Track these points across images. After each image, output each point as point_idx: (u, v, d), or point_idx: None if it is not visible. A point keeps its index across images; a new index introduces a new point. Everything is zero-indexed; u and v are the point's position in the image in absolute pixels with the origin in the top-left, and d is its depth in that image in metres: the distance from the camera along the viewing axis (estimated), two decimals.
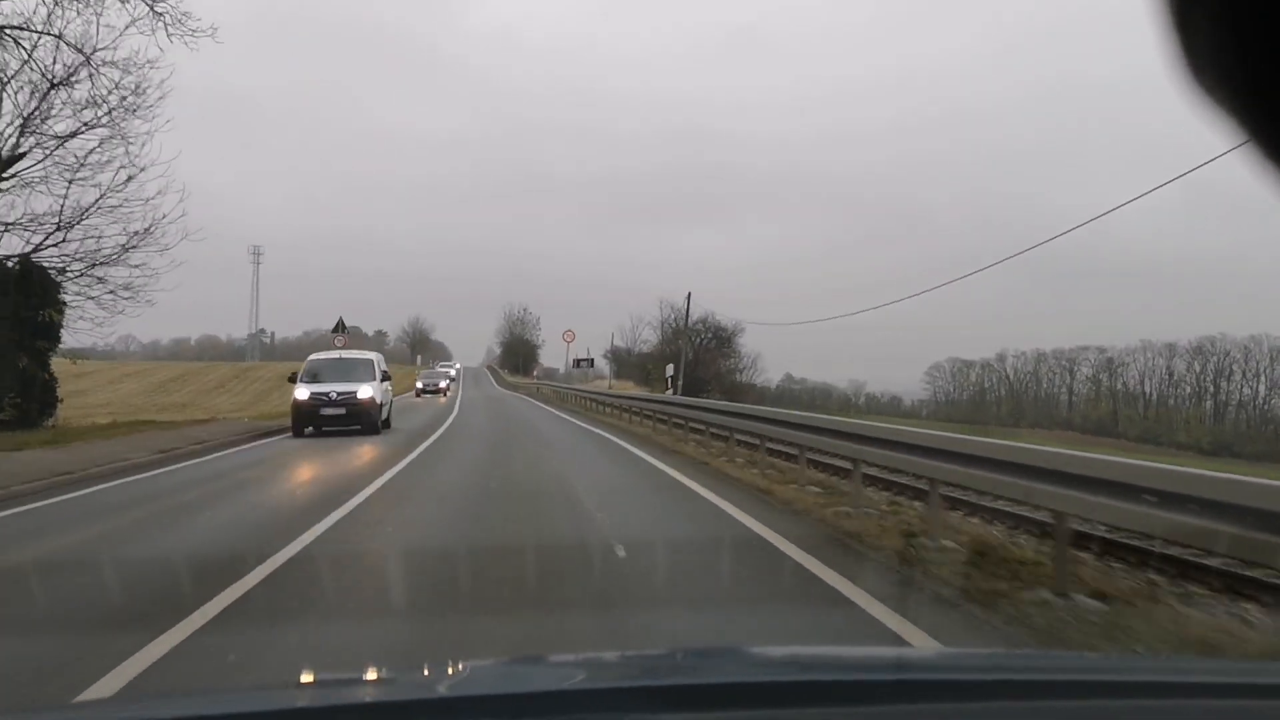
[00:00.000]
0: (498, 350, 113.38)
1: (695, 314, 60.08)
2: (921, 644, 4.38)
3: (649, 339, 72.53)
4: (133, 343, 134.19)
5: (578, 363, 56.16)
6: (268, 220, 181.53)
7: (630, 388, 46.59)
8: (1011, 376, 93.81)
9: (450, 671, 1.80)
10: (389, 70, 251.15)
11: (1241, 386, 75.40)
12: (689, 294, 45.80)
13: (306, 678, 2.59)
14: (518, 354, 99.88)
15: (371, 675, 2.08)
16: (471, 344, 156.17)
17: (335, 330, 26.35)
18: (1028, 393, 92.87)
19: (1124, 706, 1.40)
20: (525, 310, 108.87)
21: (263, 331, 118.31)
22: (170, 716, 1.48)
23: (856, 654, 2.89)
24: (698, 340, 55.63)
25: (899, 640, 4.50)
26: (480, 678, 1.71)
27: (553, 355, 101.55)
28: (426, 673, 2.00)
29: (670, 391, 34.32)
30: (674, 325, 59.65)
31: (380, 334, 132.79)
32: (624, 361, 70.08)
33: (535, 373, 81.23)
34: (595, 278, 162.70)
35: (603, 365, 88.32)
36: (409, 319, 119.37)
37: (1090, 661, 2.65)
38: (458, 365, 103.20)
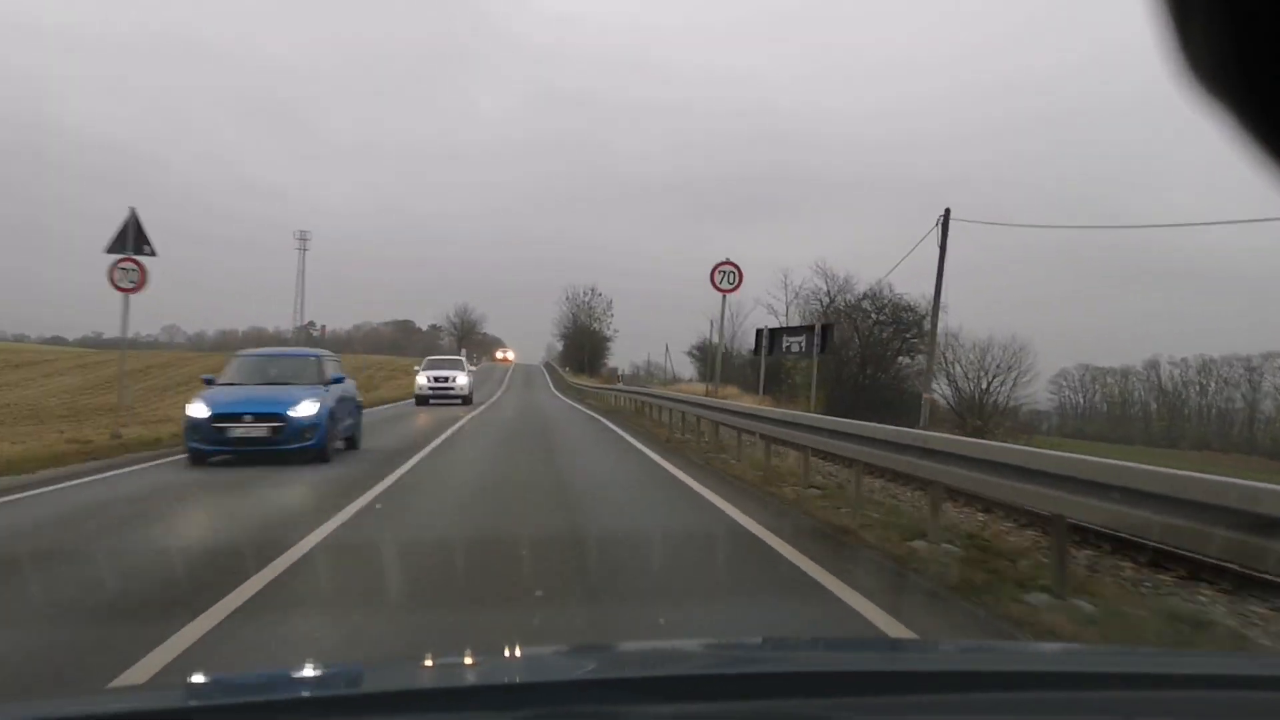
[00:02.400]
0: (559, 347, 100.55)
1: (834, 286, 41.79)
2: (915, 635, 4.35)
3: (762, 325, 56.49)
4: (177, 334, 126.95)
5: (770, 340, 22.48)
6: (326, 212, 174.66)
7: (734, 395, 33.97)
8: (1166, 387, 78.42)
9: (455, 663, 1.88)
10: (449, 53, 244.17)
11: None
12: (946, 210, 22.92)
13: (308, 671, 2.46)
14: (583, 348, 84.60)
15: (388, 667, 2.20)
16: (532, 340, 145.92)
17: (113, 248, 13.55)
18: (1188, 406, 77.41)
19: (1113, 698, 1.40)
20: (593, 292, 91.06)
21: (311, 324, 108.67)
22: (204, 704, 1.43)
23: (849, 644, 2.86)
24: (866, 324, 35.42)
25: None
26: (483, 669, 1.75)
27: (623, 352, 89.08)
28: (438, 663, 2.02)
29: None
30: (826, 301, 41.89)
31: (434, 329, 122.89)
32: (712, 359, 55.04)
33: (617, 375, 66.87)
34: (668, 267, 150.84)
35: (684, 365, 74.58)
36: (455, 307, 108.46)
37: (1081, 654, 2.62)
38: (510, 354, 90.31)
